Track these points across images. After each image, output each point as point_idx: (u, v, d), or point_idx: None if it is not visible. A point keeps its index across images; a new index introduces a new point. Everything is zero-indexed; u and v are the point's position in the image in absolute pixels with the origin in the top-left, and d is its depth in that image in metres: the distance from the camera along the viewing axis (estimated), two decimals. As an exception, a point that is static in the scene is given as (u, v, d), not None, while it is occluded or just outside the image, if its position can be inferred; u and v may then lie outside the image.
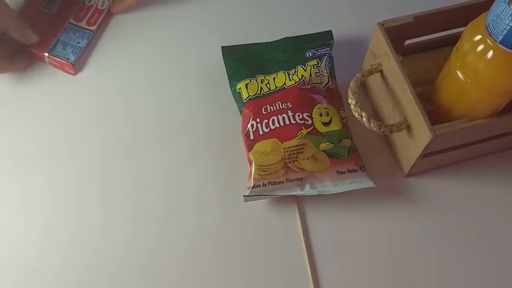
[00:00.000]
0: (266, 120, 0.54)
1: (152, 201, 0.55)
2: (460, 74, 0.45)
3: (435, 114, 0.50)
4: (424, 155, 0.50)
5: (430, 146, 0.48)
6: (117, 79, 0.62)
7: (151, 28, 0.66)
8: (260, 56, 0.59)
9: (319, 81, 0.57)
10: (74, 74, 0.62)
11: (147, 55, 0.64)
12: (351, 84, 0.51)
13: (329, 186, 0.52)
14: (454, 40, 0.46)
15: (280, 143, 0.53)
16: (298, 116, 0.54)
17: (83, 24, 0.64)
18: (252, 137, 0.54)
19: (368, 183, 0.52)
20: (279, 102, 0.55)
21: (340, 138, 0.53)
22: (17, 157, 0.58)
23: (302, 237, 0.52)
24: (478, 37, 0.42)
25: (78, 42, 0.62)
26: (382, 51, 0.52)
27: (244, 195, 0.52)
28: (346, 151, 0.53)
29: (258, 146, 0.53)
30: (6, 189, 0.56)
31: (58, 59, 0.61)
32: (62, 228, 0.54)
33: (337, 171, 0.52)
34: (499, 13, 0.39)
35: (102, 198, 0.55)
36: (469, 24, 0.44)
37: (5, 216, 0.54)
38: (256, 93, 0.56)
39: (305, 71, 0.57)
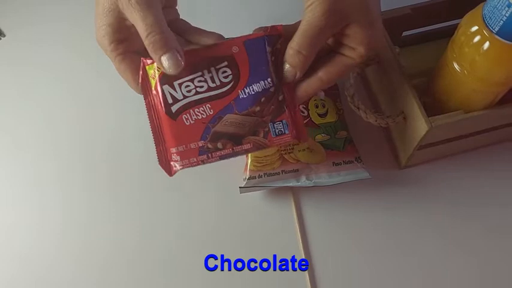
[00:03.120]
0: None
1: (148, 192, 0.55)
2: (456, 66, 0.45)
3: (431, 105, 0.49)
4: (421, 146, 0.50)
5: (426, 138, 0.48)
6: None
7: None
8: None
9: None
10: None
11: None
12: (348, 76, 0.51)
13: (325, 178, 0.52)
14: (451, 31, 0.46)
15: None
16: None
17: None
18: None
19: (364, 175, 0.52)
20: None
21: (336, 130, 0.53)
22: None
23: (298, 228, 0.52)
24: (475, 28, 0.42)
25: None
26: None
27: (240, 187, 0.52)
28: (342, 143, 0.53)
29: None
30: None
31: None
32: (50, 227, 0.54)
33: (333, 163, 0.52)
34: (496, 4, 0.39)
35: (95, 192, 0.55)
36: (466, 15, 0.44)
37: None
38: None
39: None
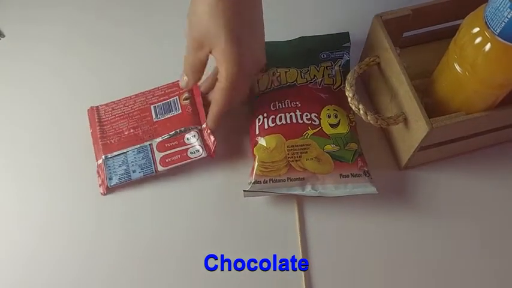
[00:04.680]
0: (273, 116, 0.54)
1: (149, 192, 0.55)
2: (457, 67, 0.45)
3: (432, 107, 0.49)
4: (421, 147, 0.50)
5: (427, 139, 0.48)
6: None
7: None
8: (274, 53, 0.58)
9: (332, 83, 0.56)
10: (103, 194, 0.55)
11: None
12: (348, 77, 0.51)
13: (330, 189, 0.51)
14: (452, 32, 0.46)
15: (284, 140, 0.53)
16: (306, 116, 0.53)
17: (157, 156, 0.55)
18: (257, 132, 0.54)
19: (371, 190, 0.51)
20: (288, 100, 0.55)
21: (346, 142, 0.53)
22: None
23: (299, 235, 0.52)
24: (476, 29, 0.42)
25: (133, 171, 0.54)
26: (379, 44, 0.51)
27: (244, 190, 0.52)
28: (351, 155, 0.52)
29: (263, 142, 0.53)
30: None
31: (103, 171, 0.55)
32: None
33: (341, 175, 0.52)
34: (498, 5, 0.39)
35: (92, 191, 0.55)
36: (467, 17, 0.44)
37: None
38: (266, 87, 0.56)
39: (318, 71, 0.56)
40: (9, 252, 0.52)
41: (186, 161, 0.54)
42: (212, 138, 0.54)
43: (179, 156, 0.54)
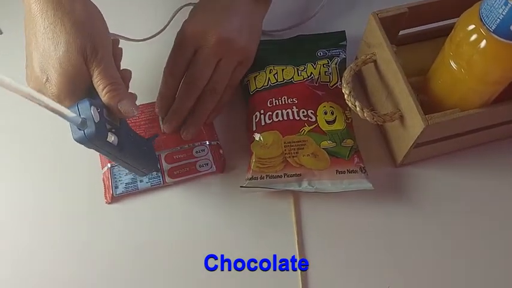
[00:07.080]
0: (270, 113, 0.54)
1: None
2: (453, 64, 0.46)
3: (428, 104, 0.50)
4: (417, 144, 0.50)
5: (422, 136, 0.48)
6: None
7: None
8: (271, 51, 0.59)
9: (328, 80, 0.57)
10: (108, 203, 0.54)
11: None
12: (345, 74, 0.51)
13: (327, 185, 0.52)
14: (448, 31, 0.46)
15: (281, 136, 0.53)
16: (303, 112, 0.54)
17: (165, 167, 0.54)
18: (254, 128, 0.54)
19: (367, 186, 0.51)
20: (285, 97, 0.55)
21: (342, 138, 0.53)
22: None
23: (295, 232, 0.52)
24: (472, 26, 0.42)
25: (141, 180, 0.54)
26: (376, 41, 0.52)
27: (241, 186, 0.52)
28: (347, 151, 0.53)
29: (260, 138, 0.53)
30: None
31: (108, 179, 0.54)
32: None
33: (337, 171, 0.52)
34: (493, 2, 0.39)
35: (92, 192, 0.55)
36: (463, 14, 0.44)
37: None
38: (263, 85, 0.56)
39: (314, 68, 0.57)
40: (11, 261, 0.52)
41: (194, 174, 0.54)
42: (223, 155, 0.55)
43: (188, 169, 0.54)
